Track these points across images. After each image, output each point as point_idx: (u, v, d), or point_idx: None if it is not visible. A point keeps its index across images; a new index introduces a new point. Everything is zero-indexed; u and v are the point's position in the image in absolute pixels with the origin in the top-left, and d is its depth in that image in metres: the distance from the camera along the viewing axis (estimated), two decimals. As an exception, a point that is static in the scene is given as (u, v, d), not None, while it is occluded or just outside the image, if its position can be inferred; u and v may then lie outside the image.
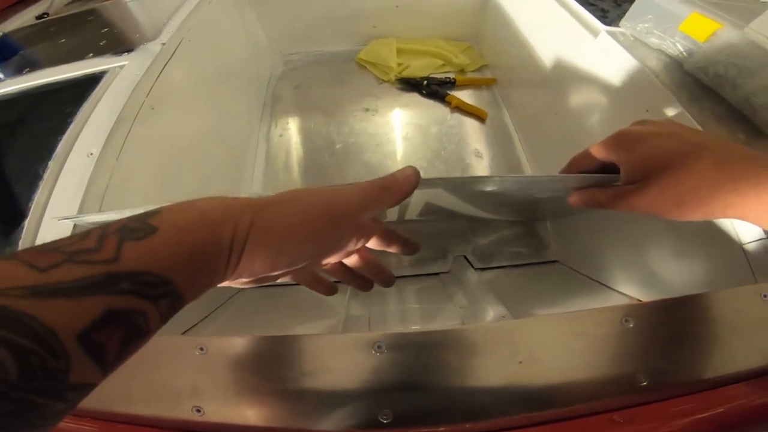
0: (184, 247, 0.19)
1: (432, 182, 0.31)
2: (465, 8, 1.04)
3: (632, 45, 0.55)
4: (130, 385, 0.27)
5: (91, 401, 0.27)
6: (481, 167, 0.83)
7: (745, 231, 0.35)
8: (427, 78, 0.98)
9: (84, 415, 0.27)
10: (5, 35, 0.78)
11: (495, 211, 0.59)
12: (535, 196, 0.44)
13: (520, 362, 0.26)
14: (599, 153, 0.33)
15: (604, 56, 0.58)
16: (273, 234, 0.23)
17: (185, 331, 0.45)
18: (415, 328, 0.51)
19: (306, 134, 0.91)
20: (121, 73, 0.57)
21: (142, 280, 0.17)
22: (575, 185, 0.35)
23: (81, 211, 0.39)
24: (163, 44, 0.63)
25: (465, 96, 0.95)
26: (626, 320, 0.27)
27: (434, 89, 0.96)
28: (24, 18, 0.93)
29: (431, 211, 0.50)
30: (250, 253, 0.22)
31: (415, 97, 0.97)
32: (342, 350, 0.27)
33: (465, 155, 0.84)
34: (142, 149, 0.50)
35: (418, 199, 0.31)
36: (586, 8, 0.65)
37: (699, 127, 0.41)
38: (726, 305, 0.29)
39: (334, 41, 1.10)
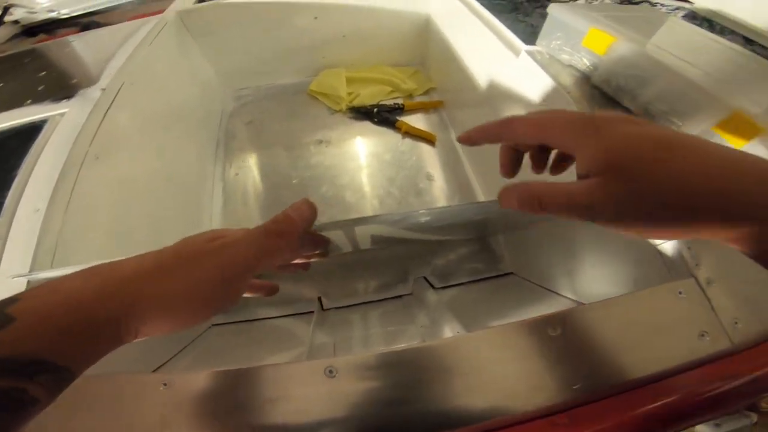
0: (52, 329, 0.20)
1: (364, 220, 0.33)
2: (409, 34, 1.08)
3: (548, 62, 0.58)
4: (101, 422, 0.27)
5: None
6: (434, 189, 0.86)
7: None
8: (377, 105, 1.02)
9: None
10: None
11: (445, 234, 0.62)
12: (475, 219, 0.47)
13: (464, 375, 0.28)
14: (544, 135, 0.24)
15: (526, 74, 0.61)
16: (168, 305, 0.23)
17: (156, 369, 0.45)
18: (366, 351, 0.52)
19: (262, 171, 0.91)
20: (62, 122, 0.57)
21: (4, 366, 0.18)
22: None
23: (33, 267, 0.39)
24: (103, 89, 0.62)
25: (414, 120, 0.99)
26: (553, 328, 0.29)
27: (385, 116, 0.99)
28: (-39, 57, 0.90)
29: (383, 240, 0.52)
30: (149, 321, 0.23)
31: (367, 125, 1.00)
32: (297, 377, 0.28)
33: (418, 180, 0.88)
34: (91, 200, 0.50)
35: (361, 233, 0.32)
36: (516, 25, 0.67)
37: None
38: (646, 304, 0.32)
39: (284, 74, 1.12)
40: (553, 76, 0.54)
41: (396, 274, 0.71)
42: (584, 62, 0.55)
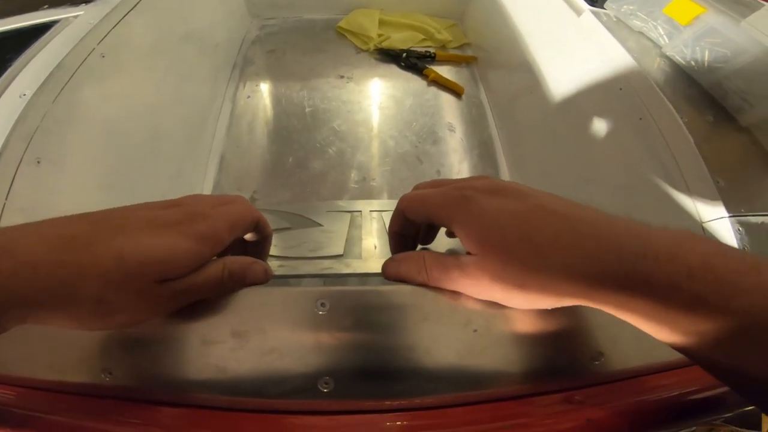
0: None
1: None
2: (453, -15, 1.01)
3: (614, 26, 0.56)
4: (34, 349, 0.24)
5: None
6: (453, 141, 0.82)
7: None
8: (407, 50, 0.96)
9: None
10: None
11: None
12: None
13: (475, 330, 0.24)
14: (427, 213, 0.26)
15: (586, 35, 0.58)
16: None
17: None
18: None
19: (275, 97, 0.87)
20: (74, 22, 0.53)
21: None
22: None
23: (3, 151, 0.35)
24: (126, -6, 0.58)
25: (444, 71, 0.93)
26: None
27: (413, 62, 0.93)
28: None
29: None
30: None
31: (392, 68, 0.95)
32: (279, 306, 0.25)
33: (437, 128, 0.83)
34: (87, 96, 0.47)
35: None
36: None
37: (677, 115, 0.41)
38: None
39: (314, 8, 1.06)
40: (619, 40, 0.52)
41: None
42: (659, 30, 0.53)
